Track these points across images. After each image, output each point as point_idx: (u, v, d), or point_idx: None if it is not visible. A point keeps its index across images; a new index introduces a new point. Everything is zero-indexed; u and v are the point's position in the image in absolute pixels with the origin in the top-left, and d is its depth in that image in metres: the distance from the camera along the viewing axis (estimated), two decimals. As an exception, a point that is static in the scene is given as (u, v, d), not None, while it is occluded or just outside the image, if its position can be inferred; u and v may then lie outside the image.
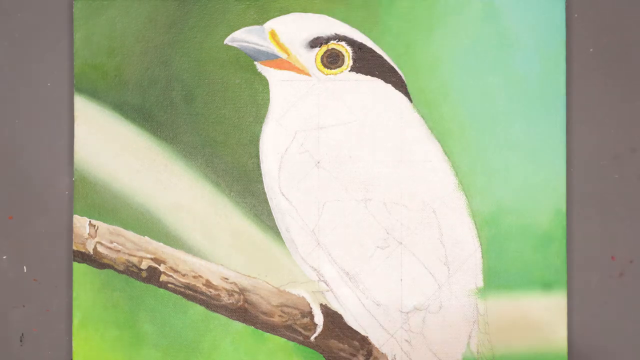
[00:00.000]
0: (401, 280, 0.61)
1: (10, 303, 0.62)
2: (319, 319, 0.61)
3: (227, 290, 0.61)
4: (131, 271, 0.61)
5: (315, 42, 0.61)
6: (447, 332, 0.60)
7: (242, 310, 0.61)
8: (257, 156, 0.61)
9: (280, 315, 0.61)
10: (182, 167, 0.61)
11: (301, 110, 0.61)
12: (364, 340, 0.61)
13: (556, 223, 0.61)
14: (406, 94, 0.61)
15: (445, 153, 0.61)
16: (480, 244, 0.61)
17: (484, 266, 0.61)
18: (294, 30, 0.61)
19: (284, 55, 0.61)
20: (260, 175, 0.61)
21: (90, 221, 0.61)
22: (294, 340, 0.61)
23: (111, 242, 0.61)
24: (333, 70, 0.61)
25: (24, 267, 0.62)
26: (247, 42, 0.61)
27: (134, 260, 0.61)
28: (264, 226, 0.61)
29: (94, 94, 0.62)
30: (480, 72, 0.61)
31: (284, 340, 0.61)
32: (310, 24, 0.61)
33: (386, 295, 0.61)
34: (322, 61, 0.61)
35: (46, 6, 0.63)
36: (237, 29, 0.61)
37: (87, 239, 0.61)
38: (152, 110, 0.62)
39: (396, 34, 0.61)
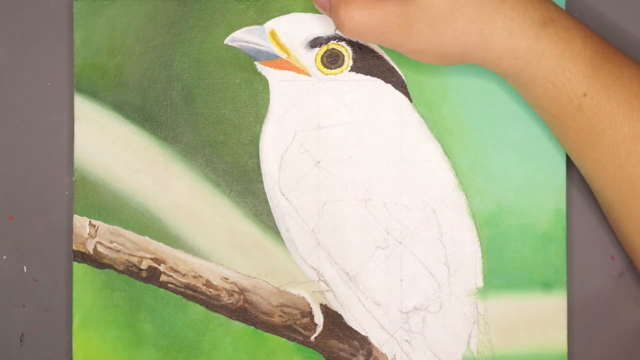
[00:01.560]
0: (401, 280, 0.61)
1: (10, 303, 0.62)
2: (319, 319, 0.61)
3: (227, 290, 0.61)
4: (131, 271, 0.61)
5: (315, 42, 0.61)
6: (447, 332, 0.60)
7: (242, 310, 0.61)
8: (257, 156, 0.61)
9: (280, 315, 0.61)
10: (182, 167, 0.61)
11: (301, 110, 0.61)
12: (364, 340, 0.61)
13: (556, 223, 0.61)
14: (406, 94, 0.61)
15: (445, 153, 0.61)
16: (480, 244, 0.61)
17: (484, 266, 0.61)
18: (294, 30, 0.61)
19: (284, 55, 0.61)
20: (260, 175, 0.61)
21: (90, 221, 0.61)
22: (294, 340, 0.61)
23: (111, 242, 0.61)
24: (333, 70, 0.61)
25: (24, 267, 0.62)
26: (247, 42, 0.61)
27: (134, 260, 0.61)
28: (264, 226, 0.61)
29: (94, 94, 0.62)
30: (480, 72, 0.61)
31: (284, 340, 0.61)
32: (310, 24, 0.61)
33: (386, 295, 0.61)
34: (322, 61, 0.61)
35: (46, 6, 0.63)
36: (237, 29, 0.61)
37: (87, 239, 0.61)
38: (152, 110, 0.62)
39: (396, 34, 0.61)
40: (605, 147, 0.54)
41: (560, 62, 0.54)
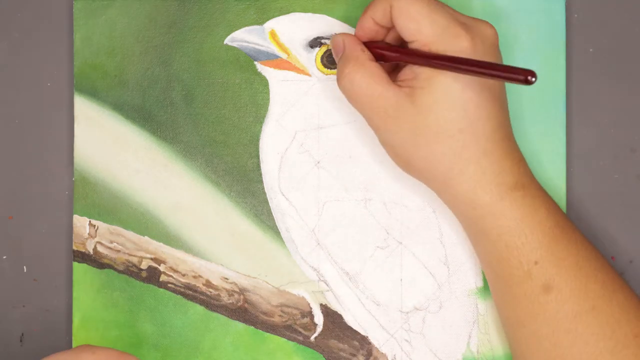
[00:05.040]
0: (401, 280, 0.61)
1: (10, 303, 0.62)
2: (319, 319, 0.61)
3: (227, 290, 0.61)
4: (131, 271, 0.61)
5: (315, 42, 0.61)
6: (447, 332, 0.60)
7: (242, 310, 0.61)
8: (257, 156, 0.61)
9: (280, 315, 0.61)
10: (182, 167, 0.61)
11: (301, 110, 0.61)
12: (364, 340, 0.61)
13: (556, 223, 0.60)
14: (406, 94, 0.61)
15: (445, 153, 0.61)
16: (480, 244, 0.61)
17: (484, 266, 0.61)
18: (294, 30, 0.61)
19: (284, 55, 0.61)
20: (260, 175, 0.61)
21: (90, 221, 0.61)
22: (294, 340, 0.61)
23: (111, 242, 0.61)
24: (333, 70, 0.61)
25: (24, 267, 0.62)
26: (247, 42, 0.61)
27: (134, 260, 0.61)
28: (264, 226, 0.61)
29: (94, 94, 0.62)
30: (480, 72, 0.61)
31: (284, 340, 0.61)
32: (310, 24, 0.61)
33: (386, 295, 0.61)
34: (322, 61, 0.61)
35: (46, 6, 0.63)
36: (237, 29, 0.61)
37: (87, 239, 0.61)
38: (152, 110, 0.62)
39: (396, 34, 0.61)
40: (545, 320, 0.53)
41: (519, 226, 0.53)
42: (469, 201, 0.54)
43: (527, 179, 0.54)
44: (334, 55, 0.58)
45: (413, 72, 0.54)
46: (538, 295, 0.53)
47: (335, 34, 0.58)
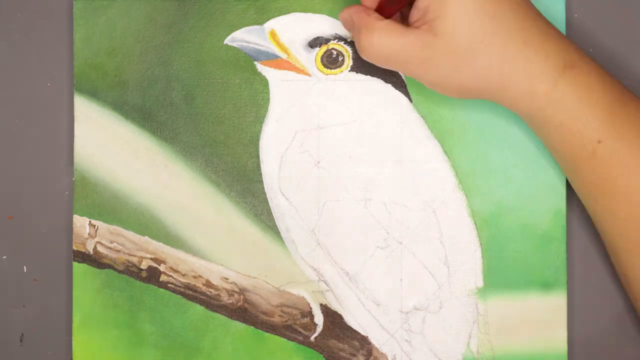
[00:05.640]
0: (401, 280, 0.61)
1: (10, 303, 0.62)
2: (319, 319, 0.61)
3: (227, 290, 0.61)
4: (131, 271, 0.61)
5: (315, 42, 0.61)
6: (447, 332, 0.60)
7: (242, 310, 0.61)
8: (257, 156, 0.61)
9: (280, 315, 0.61)
10: (182, 167, 0.61)
11: (301, 110, 0.61)
12: (364, 340, 0.61)
13: (556, 223, 0.61)
14: (406, 94, 0.61)
15: (445, 153, 0.61)
16: (480, 244, 0.61)
17: (484, 266, 0.61)
18: (294, 30, 0.61)
19: (284, 55, 0.61)
20: (260, 175, 0.61)
21: (90, 221, 0.61)
22: (294, 340, 0.61)
23: (111, 242, 0.61)
24: (333, 70, 0.61)
25: (24, 267, 0.62)
26: (247, 42, 0.61)
27: (134, 260, 0.61)
28: (264, 226, 0.61)
29: (94, 94, 0.62)
30: (480, 72, 0.61)
31: (284, 340, 0.61)
32: (310, 24, 0.61)
33: (386, 295, 0.61)
34: (322, 61, 0.61)
35: (46, 6, 0.63)
36: (237, 29, 0.62)
37: (87, 239, 0.61)
38: (152, 110, 0.62)
39: (396, 34, 0.61)
40: (616, 194, 0.54)
41: (578, 108, 0.53)
42: (527, 96, 0.54)
43: (575, 54, 0.54)
44: (348, 31, 0.58)
45: (421, 10, 0.54)
46: (605, 172, 0.54)
47: (342, 11, 0.58)
